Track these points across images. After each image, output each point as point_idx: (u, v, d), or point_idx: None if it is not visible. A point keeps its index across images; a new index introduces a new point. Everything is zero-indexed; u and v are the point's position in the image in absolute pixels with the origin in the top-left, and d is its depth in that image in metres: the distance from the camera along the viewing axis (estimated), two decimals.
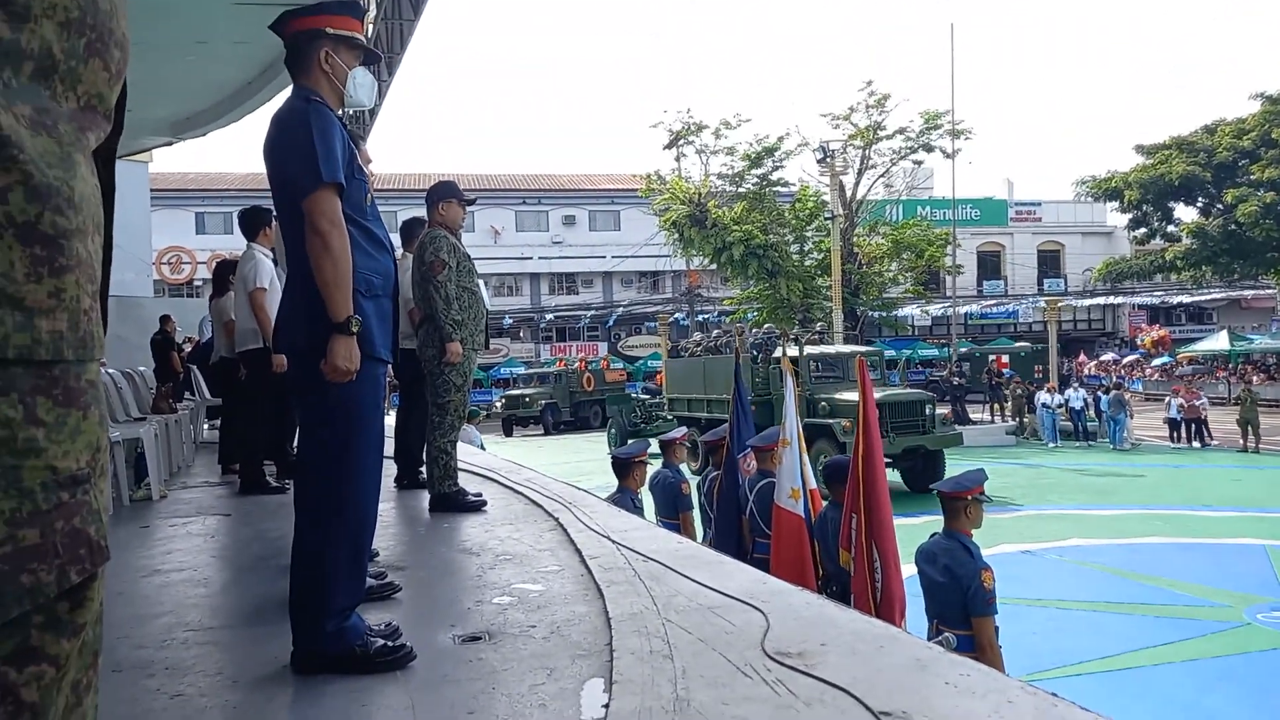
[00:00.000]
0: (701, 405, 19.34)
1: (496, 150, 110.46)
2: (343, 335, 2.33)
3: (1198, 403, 21.41)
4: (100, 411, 0.87)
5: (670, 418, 21.33)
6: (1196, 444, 21.04)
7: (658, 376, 39.29)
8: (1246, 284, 37.22)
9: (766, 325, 23.13)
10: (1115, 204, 32.27)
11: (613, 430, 24.04)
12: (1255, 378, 28.87)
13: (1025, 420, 23.44)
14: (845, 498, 4.96)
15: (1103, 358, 39.94)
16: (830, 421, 15.32)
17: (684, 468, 6.60)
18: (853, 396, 14.55)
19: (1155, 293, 42.29)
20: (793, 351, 17.15)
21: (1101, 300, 43.78)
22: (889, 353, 29.07)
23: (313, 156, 2.35)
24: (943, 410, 16.56)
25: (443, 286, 4.59)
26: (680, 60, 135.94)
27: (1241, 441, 20.14)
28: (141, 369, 8.61)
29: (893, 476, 14.66)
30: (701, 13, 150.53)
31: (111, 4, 0.90)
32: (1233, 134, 28.93)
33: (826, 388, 16.67)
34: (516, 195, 44.93)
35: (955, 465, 12.46)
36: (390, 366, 3.44)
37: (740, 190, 30.19)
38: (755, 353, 18.23)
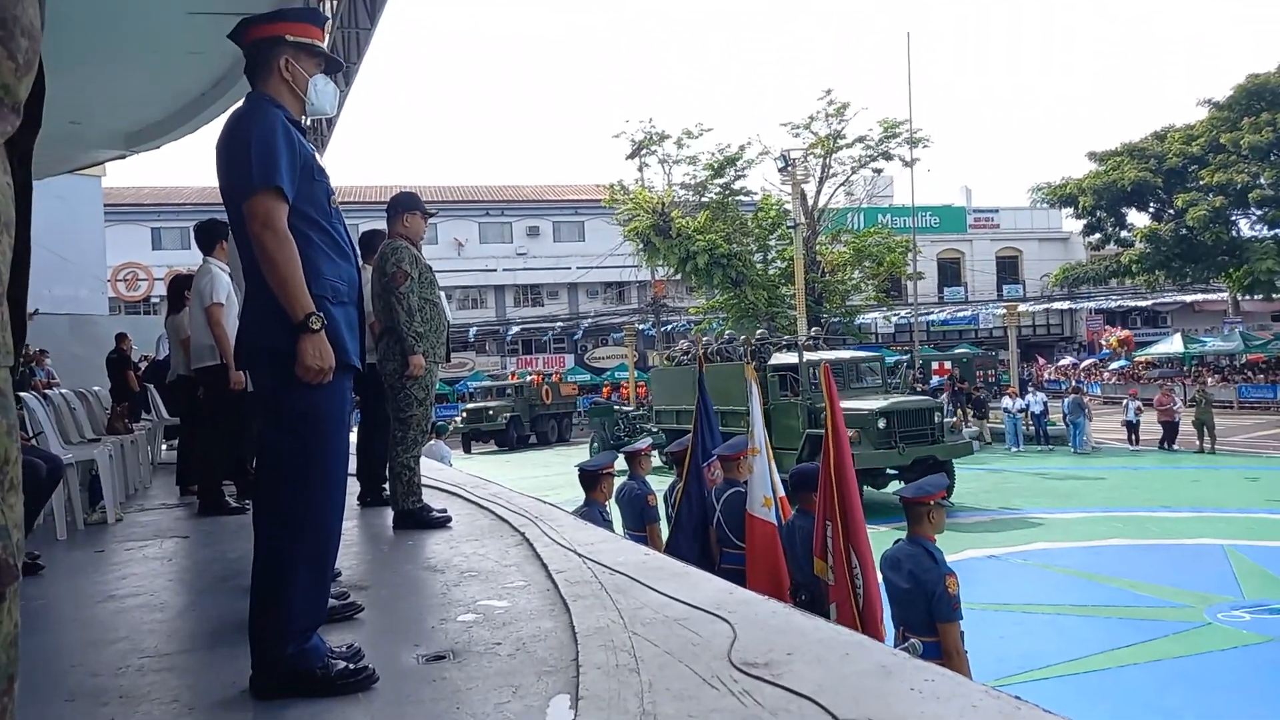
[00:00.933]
0: (720, 417, 18.35)
1: (459, 161, 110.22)
2: (307, 334, 2.29)
3: (1174, 407, 21.38)
4: (9, 422, 0.83)
5: (656, 430, 20.61)
6: (1166, 446, 20.94)
7: (622, 389, 39.27)
8: (1198, 288, 38.05)
9: (760, 331, 22.40)
10: (1070, 210, 32.89)
11: (595, 444, 23.45)
12: (1209, 379, 29.45)
13: (981, 426, 23.60)
14: (817, 506, 4.97)
15: (1061, 362, 40.58)
16: None
17: (649, 479, 6.58)
18: (861, 405, 14.61)
19: (1111, 297, 43.16)
20: (789, 358, 17.05)
21: (1059, 305, 44.58)
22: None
23: (248, 160, 2.31)
24: (950, 419, 16.25)
25: (405, 298, 4.55)
26: (641, 70, 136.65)
27: (1198, 443, 20.55)
28: (96, 388, 8.44)
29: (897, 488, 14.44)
30: (662, 23, 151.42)
31: None
32: (1182, 140, 29.64)
33: None
34: (479, 207, 44.75)
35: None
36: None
37: (703, 199, 30.37)
38: (749, 361, 17.92)
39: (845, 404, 14.21)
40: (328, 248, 2.46)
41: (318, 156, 2.52)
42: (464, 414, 32.39)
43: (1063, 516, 13.16)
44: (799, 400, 15.59)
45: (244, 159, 2.32)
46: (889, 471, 14.80)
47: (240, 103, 2.53)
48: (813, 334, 20.75)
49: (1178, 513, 13.23)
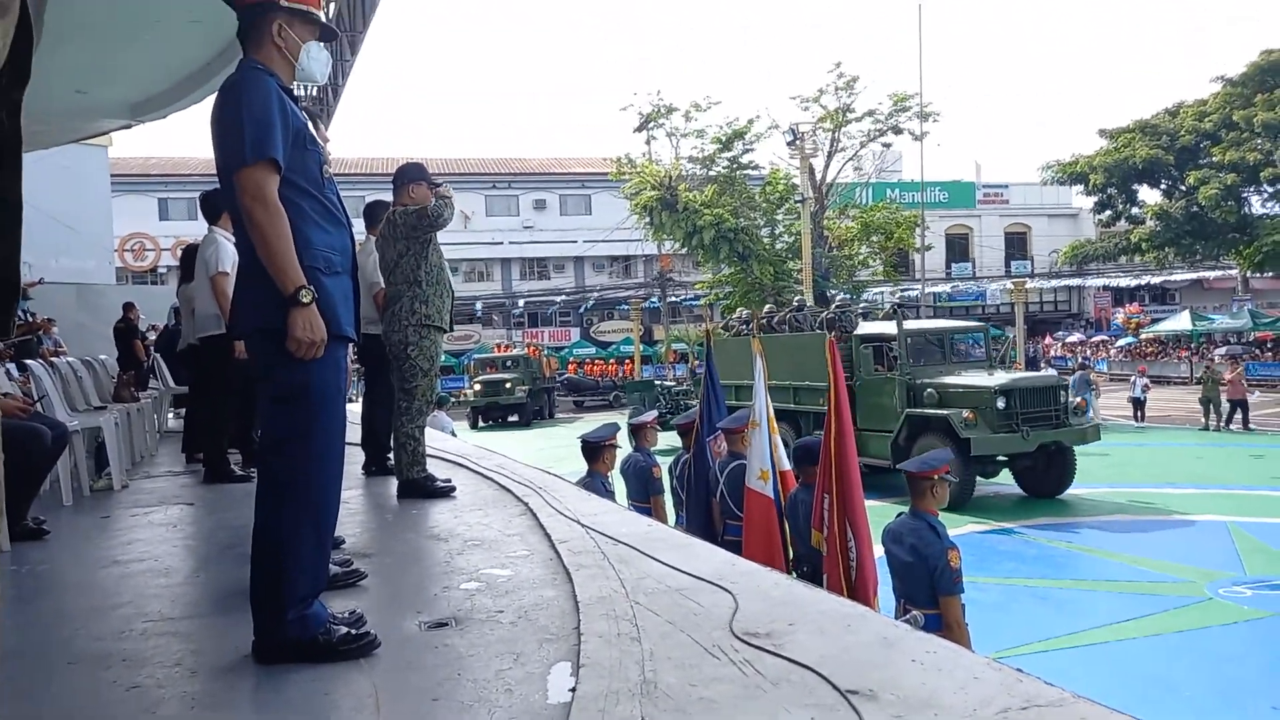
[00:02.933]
0: (787, 394, 15.25)
1: (465, 133, 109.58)
2: (297, 308, 2.28)
3: (1243, 384, 20.53)
4: None
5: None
6: (1237, 427, 20.02)
7: (628, 365, 39.00)
8: (1208, 265, 37.82)
9: (840, 297, 20.14)
10: (1081, 187, 32.62)
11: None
12: (1215, 356, 29.34)
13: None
14: (817, 479, 4.98)
15: (1068, 339, 40.48)
16: (945, 412, 12.66)
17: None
18: (973, 381, 13.04)
19: (1120, 274, 42.93)
20: (881, 327, 15.09)
21: (1067, 282, 44.36)
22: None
23: (240, 131, 2.29)
24: (1075, 399, 13.97)
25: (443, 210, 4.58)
26: (650, 42, 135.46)
27: (1204, 420, 20.50)
28: (103, 357, 8.46)
29: (1004, 479, 13.45)
30: None
31: None
32: (1194, 116, 29.35)
33: (928, 371, 13.75)
34: (486, 179, 44.61)
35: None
36: (354, 351, 3.38)
37: (711, 174, 30.15)
38: (829, 331, 15.09)
39: (950, 380, 13.35)
40: (320, 216, 2.44)
41: (310, 126, 2.48)
42: (477, 387, 29.67)
43: (1068, 491, 13.13)
44: (896, 375, 13.69)
45: (237, 131, 2.30)
46: (999, 459, 13.03)
47: (232, 71, 2.49)
48: (896, 300, 18.92)
49: (1182, 489, 13.22)
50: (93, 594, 3.15)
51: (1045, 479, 13.03)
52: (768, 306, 23.01)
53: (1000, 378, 13.23)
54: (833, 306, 16.61)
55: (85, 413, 5.80)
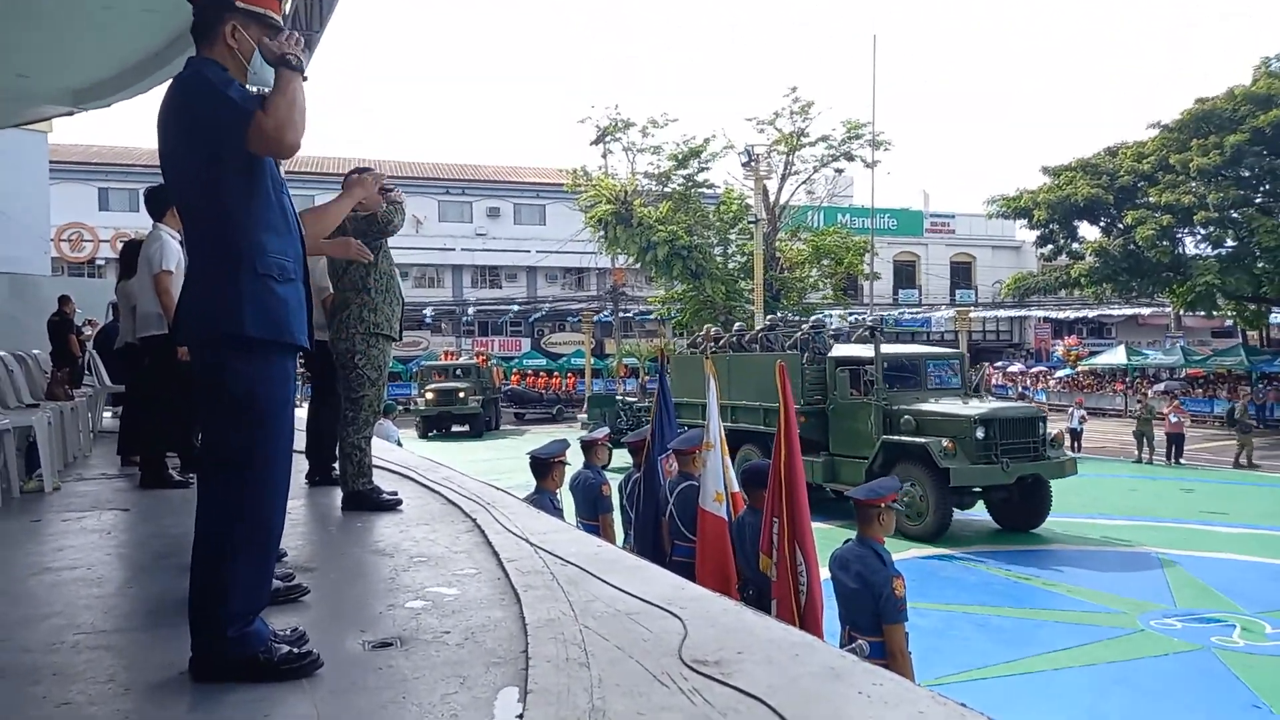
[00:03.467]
0: (756, 415, 14.80)
1: (420, 137, 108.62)
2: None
3: (1184, 420, 21.09)
4: None
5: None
6: (1160, 461, 20.54)
7: (570, 379, 38.58)
8: (1144, 301, 38.99)
9: (814, 316, 19.74)
10: (1024, 221, 33.46)
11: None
12: (1150, 392, 30.24)
13: None
14: (765, 502, 5.00)
15: (1009, 368, 41.39)
16: (924, 441, 12.30)
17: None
18: (951, 409, 12.75)
19: (1060, 307, 44.08)
20: (857, 350, 14.72)
21: (1010, 313, 45.41)
22: None
23: (224, 99, 2.25)
24: (1053, 428, 13.76)
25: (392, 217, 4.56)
26: (608, 57, 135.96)
27: (1137, 453, 21.08)
28: (36, 352, 8.18)
29: (977, 512, 13.22)
30: (631, 12, 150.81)
31: None
32: (1133, 157, 30.27)
33: (904, 397, 13.40)
34: (440, 184, 44.28)
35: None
36: (301, 357, 3.31)
37: (666, 190, 30.37)
38: (800, 350, 14.96)
39: (928, 407, 12.94)
40: (274, 222, 2.38)
41: None
42: (429, 395, 28.94)
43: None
44: (872, 400, 13.25)
45: (216, 101, 2.25)
46: (973, 490, 12.79)
47: (183, 65, 2.43)
48: (870, 322, 17.84)
49: (1115, 520, 13.58)
50: (21, 603, 3.03)
51: (1020, 511, 12.92)
52: (738, 325, 22.95)
53: (979, 407, 13.00)
54: (806, 327, 16.24)
55: (16, 410, 5.60)
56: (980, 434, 12.18)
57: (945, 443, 12.08)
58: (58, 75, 9.11)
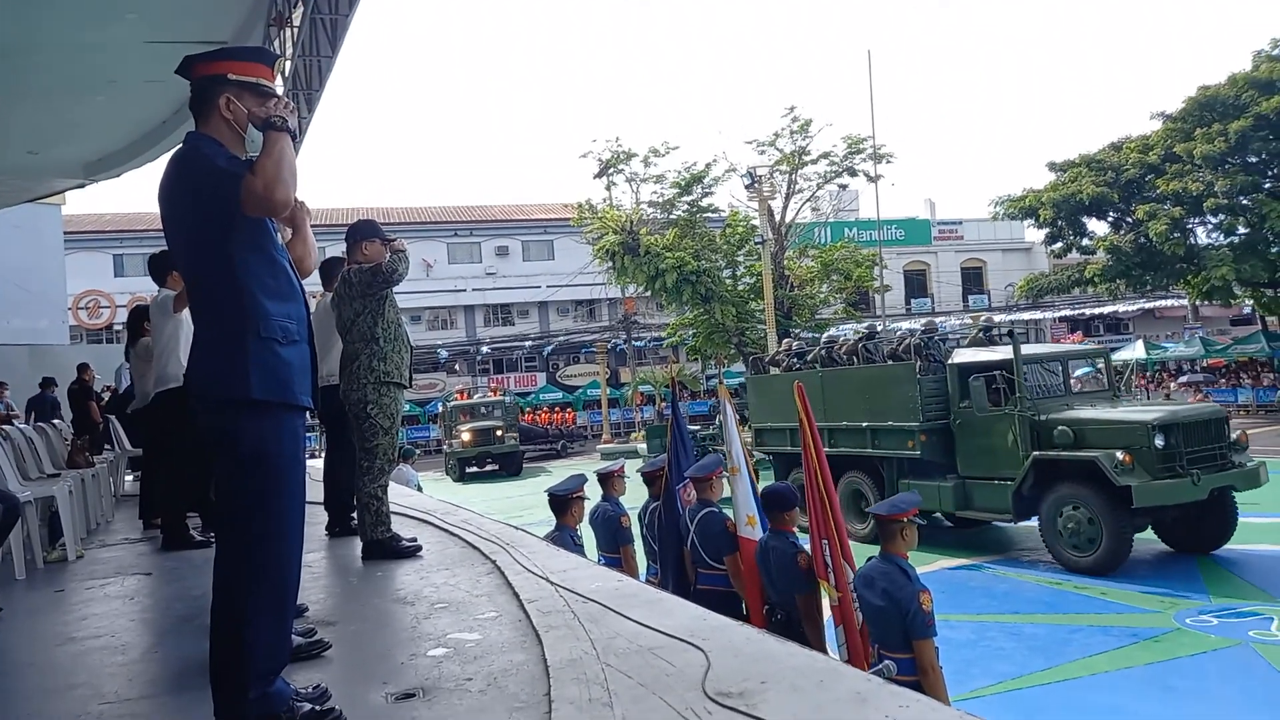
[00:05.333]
0: (863, 437, 13.12)
1: (426, 182, 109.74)
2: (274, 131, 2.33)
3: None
4: None
5: (764, 457, 15.65)
6: None
7: (569, 414, 38.19)
8: (1159, 295, 38.70)
9: (926, 320, 17.82)
10: (1032, 221, 33.34)
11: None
12: (1173, 385, 29.92)
13: None
14: (812, 525, 4.94)
15: None
16: (1093, 454, 10.25)
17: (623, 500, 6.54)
18: (1115, 414, 10.90)
19: (1075, 305, 43.80)
20: (990, 354, 12.64)
21: (1024, 315, 45.13)
22: None
23: (216, 168, 2.31)
24: (1235, 433, 11.23)
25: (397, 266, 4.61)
26: (608, 89, 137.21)
27: None
28: (56, 421, 8.28)
29: (1148, 535, 11.00)
30: (627, 44, 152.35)
31: None
32: (1138, 150, 30.15)
33: (1050, 405, 11.37)
34: (448, 227, 44.62)
35: None
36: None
37: (671, 217, 30.46)
38: (916, 359, 13.06)
39: (1087, 414, 10.87)
40: (276, 285, 2.42)
41: None
42: (465, 435, 27.98)
43: (1032, 524, 13.23)
44: (1015, 410, 11.23)
45: (208, 171, 2.31)
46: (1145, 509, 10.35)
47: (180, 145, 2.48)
48: (984, 321, 15.51)
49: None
50: (46, 674, 3.04)
51: (1201, 530, 10.79)
52: (826, 334, 21.31)
53: (1152, 410, 11.12)
54: (919, 332, 14.44)
55: (38, 481, 5.65)
56: (1160, 442, 10.13)
57: (1120, 455, 10.05)
58: (67, 150, 9.32)
